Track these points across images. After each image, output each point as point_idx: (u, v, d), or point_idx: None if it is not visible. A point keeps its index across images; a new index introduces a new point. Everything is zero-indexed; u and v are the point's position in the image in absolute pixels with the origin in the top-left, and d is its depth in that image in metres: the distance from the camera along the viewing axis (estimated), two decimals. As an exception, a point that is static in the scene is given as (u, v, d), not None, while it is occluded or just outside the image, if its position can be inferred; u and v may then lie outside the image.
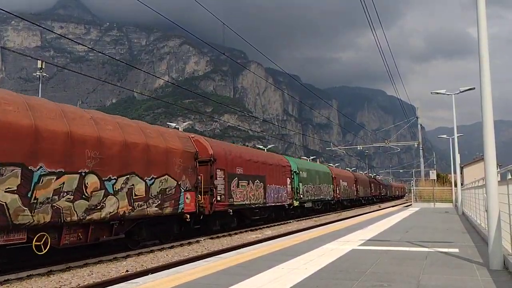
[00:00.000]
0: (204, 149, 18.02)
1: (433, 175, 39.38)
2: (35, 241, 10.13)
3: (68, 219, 10.76)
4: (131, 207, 12.84)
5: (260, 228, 22.38)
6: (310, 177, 32.19)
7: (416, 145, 47.70)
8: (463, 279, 5.74)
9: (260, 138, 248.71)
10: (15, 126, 9.68)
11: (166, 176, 14.69)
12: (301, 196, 29.56)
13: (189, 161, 16.18)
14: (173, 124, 39.54)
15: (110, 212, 12.08)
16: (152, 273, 7.82)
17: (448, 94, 26.41)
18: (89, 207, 11.36)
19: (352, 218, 21.23)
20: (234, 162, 20.24)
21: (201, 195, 16.98)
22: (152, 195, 13.86)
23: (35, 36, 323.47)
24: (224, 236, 18.73)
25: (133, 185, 12.98)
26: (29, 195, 9.78)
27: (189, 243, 16.16)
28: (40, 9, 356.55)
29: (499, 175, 7.02)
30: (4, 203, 9.23)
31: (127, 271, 10.76)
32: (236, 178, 20.04)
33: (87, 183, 11.36)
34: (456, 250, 8.50)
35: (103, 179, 11.88)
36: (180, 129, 35.51)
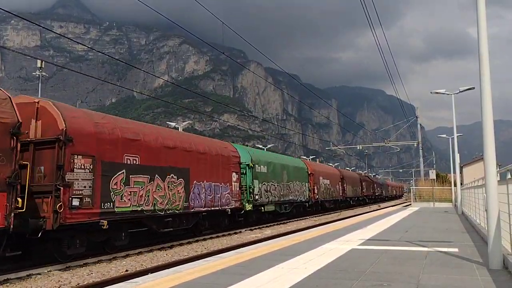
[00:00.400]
0: (50, 121, 11.43)
1: (432, 174, 39.41)
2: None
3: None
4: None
5: (260, 228, 22.38)
6: (273, 172, 25.35)
7: (415, 145, 47.70)
8: (462, 279, 5.74)
9: (259, 137, 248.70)
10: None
11: None
12: (257, 197, 22.51)
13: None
14: (173, 124, 39.52)
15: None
16: (151, 273, 7.82)
17: (447, 94, 26.41)
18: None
19: (352, 218, 21.24)
20: (121, 145, 13.09)
21: (26, 199, 10.14)
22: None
23: (35, 35, 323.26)
24: (223, 235, 18.74)
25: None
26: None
27: (189, 243, 16.16)
28: (39, 8, 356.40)
29: (498, 174, 7.02)
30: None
31: (126, 270, 10.76)
32: (124, 172, 13.01)
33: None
34: (456, 249, 8.50)
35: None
36: (180, 129, 35.45)
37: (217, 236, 18.26)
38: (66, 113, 11.70)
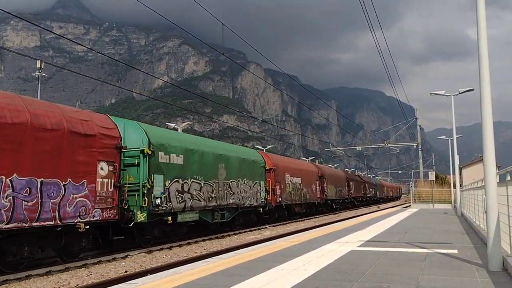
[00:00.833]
0: None
1: (432, 176, 39.40)
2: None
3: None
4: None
5: (259, 229, 22.39)
6: (199, 165, 17.55)
7: (415, 146, 47.77)
8: (462, 280, 5.74)
9: (259, 138, 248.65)
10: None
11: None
12: (159, 201, 14.83)
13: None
14: (172, 125, 39.52)
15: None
16: (151, 274, 7.82)
17: (447, 95, 26.44)
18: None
19: (351, 219, 21.24)
20: None
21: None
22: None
23: (34, 36, 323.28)
24: (223, 236, 18.73)
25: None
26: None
27: (188, 244, 16.15)
28: (39, 9, 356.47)
29: (498, 176, 7.03)
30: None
31: (126, 271, 10.75)
32: None
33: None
34: (455, 251, 8.50)
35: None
36: (179, 130, 35.50)
37: (216, 237, 18.26)
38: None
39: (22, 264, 10.50)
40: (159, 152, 15.09)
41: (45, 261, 11.54)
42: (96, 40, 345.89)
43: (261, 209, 23.07)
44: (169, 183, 15.37)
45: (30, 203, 9.98)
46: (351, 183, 46.89)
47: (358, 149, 64.42)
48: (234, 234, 19.81)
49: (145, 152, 14.34)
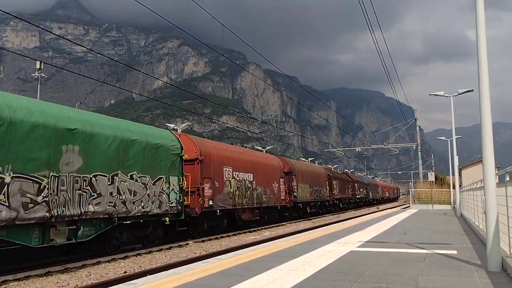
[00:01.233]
0: None
1: (431, 176, 39.41)
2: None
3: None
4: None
5: (259, 230, 22.38)
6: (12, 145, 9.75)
7: (414, 147, 47.75)
8: (461, 281, 5.75)
9: (258, 139, 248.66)
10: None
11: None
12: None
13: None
14: (172, 125, 39.52)
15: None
16: (150, 274, 7.82)
17: (446, 96, 26.48)
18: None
19: (351, 220, 21.24)
20: None
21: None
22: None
23: (34, 36, 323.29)
24: (222, 237, 18.73)
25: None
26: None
27: (187, 244, 16.16)
28: (39, 9, 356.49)
29: (497, 177, 7.04)
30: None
31: (125, 272, 10.75)
32: None
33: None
34: (455, 252, 8.51)
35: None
36: (178, 130, 35.50)
37: (216, 238, 18.26)
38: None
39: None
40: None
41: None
42: (95, 40, 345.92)
43: (167, 218, 15.04)
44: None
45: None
46: (334, 182, 39.71)
47: (357, 150, 64.38)
48: (234, 235, 19.82)
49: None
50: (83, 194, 11.59)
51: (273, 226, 24.56)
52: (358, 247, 9.41)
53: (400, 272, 6.36)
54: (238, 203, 20.84)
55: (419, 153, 45.51)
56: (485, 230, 7.30)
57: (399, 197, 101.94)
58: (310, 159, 72.02)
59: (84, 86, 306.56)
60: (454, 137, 27.72)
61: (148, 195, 14.14)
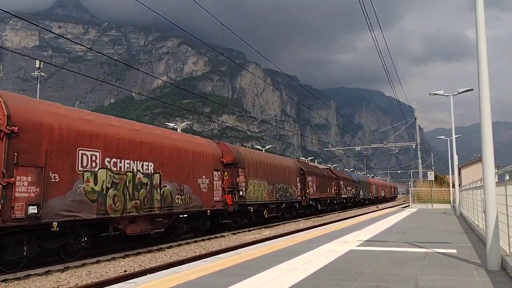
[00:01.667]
0: None
1: (431, 176, 39.44)
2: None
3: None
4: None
5: (258, 229, 22.39)
6: None
7: (414, 146, 47.78)
8: (461, 280, 5.75)
9: (258, 138, 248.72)
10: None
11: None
12: None
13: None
14: (172, 124, 39.51)
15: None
16: (150, 273, 7.82)
17: (446, 95, 26.48)
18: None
19: (351, 219, 21.25)
20: None
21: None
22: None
23: (33, 35, 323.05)
24: (222, 236, 18.74)
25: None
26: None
27: (187, 243, 16.16)
28: (38, 8, 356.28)
29: (497, 176, 7.04)
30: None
31: (125, 271, 10.76)
32: None
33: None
34: (454, 251, 8.51)
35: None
36: (178, 130, 35.51)
37: (216, 237, 18.27)
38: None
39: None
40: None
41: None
42: (95, 40, 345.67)
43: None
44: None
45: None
46: (309, 178, 32.22)
47: (357, 149, 64.36)
48: (233, 234, 19.83)
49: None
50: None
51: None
52: (358, 246, 9.41)
53: (400, 271, 6.36)
54: (122, 212, 16.32)
55: (419, 152, 45.54)
56: (484, 229, 7.31)
57: (396, 196, 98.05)
58: (309, 158, 71.92)
59: (84, 85, 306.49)
60: (454, 136, 27.73)
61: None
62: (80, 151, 11.73)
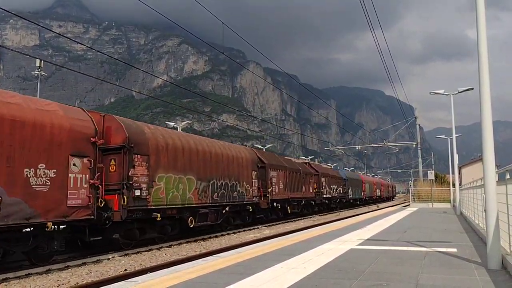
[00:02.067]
0: None
1: (431, 175, 39.43)
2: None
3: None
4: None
5: (258, 228, 22.41)
6: None
7: (414, 146, 47.77)
8: (461, 279, 5.75)
9: (258, 137, 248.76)
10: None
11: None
12: None
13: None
14: (172, 124, 39.51)
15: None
16: (150, 272, 7.83)
17: (446, 95, 26.47)
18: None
19: (350, 218, 21.26)
20: None
21: None
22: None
23: (34, 34, 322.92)
24: (222, 235, 18.75)
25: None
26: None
27: (188, 242, 16.18)
28: (38, 7, 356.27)
29: (497, 175, 7.04)
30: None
31: (125, 270, 10.76)
32: None
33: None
34: (455, 250, 8.51)
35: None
36: (179, 129, 35.52)
37: (216, 236, 18.28)
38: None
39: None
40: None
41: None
42: (95, 39, 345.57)
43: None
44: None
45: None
46: (272, 173, 25.35)
47: (357, 148, 64.31)
48: (234, 233, 19.85)
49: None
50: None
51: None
52: (358, 245, 9.42)
53: (400, 270, 6.36)
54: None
55: (419, 151, 45.52)
56: (485, 228, 7.31)
57: (394, 196, 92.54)
58: (310, 157, 71.87)
59: (84, 84, 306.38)
60: (454, 135, 27.72)
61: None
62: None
